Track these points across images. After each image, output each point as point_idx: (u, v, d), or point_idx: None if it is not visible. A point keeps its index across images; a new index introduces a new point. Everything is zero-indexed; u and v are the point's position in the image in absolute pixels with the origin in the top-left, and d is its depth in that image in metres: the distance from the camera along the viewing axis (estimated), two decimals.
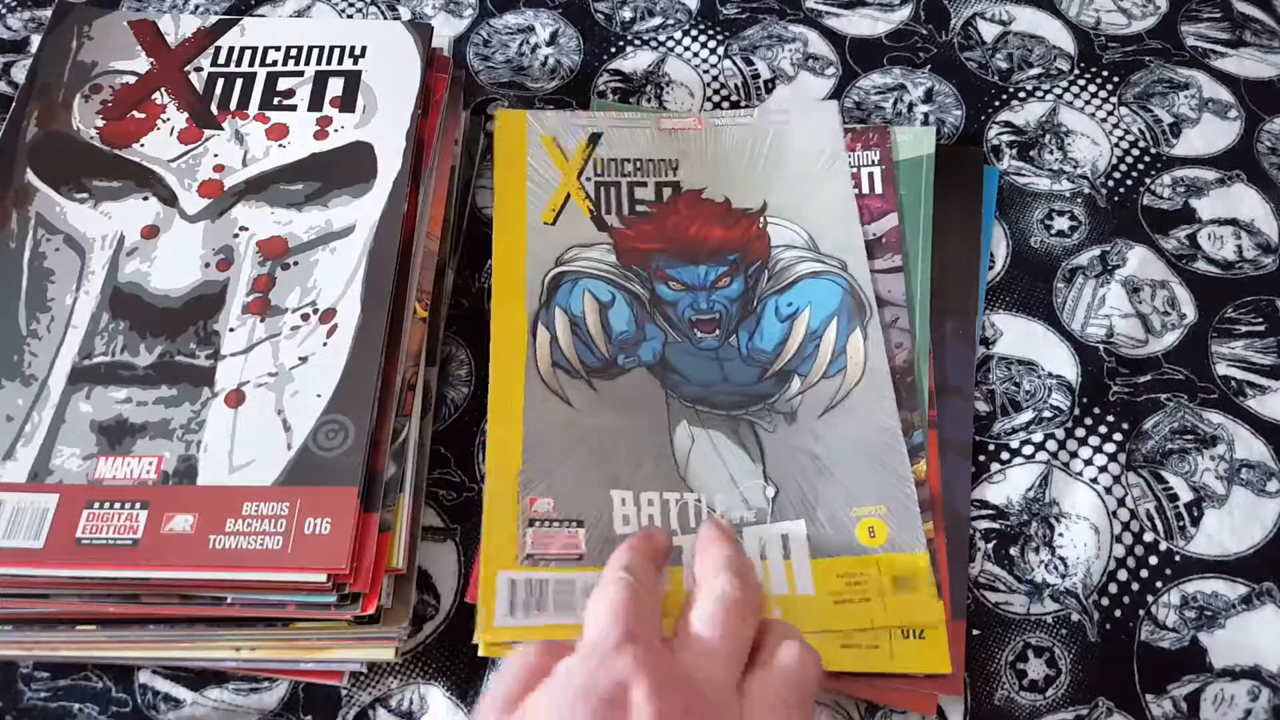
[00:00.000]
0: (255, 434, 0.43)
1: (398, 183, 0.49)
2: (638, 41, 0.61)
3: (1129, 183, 0.56)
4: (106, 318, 0.45)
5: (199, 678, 0.43)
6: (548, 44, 0.61)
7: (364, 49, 0.53)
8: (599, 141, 0.55)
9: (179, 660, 0.42)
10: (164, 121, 0.51)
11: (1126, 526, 0.47)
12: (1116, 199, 0.56)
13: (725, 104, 0.59)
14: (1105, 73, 0.60)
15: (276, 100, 0.52)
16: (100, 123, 0.51)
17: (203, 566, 0.39)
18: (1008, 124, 0.58)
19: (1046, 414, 0.50)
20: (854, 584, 0.44)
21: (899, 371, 0.49)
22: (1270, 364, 0.51)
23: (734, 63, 0.60)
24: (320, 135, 0.51)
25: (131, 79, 0.52)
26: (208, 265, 0.47)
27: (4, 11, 0.61)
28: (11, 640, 0.41)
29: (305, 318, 0.46)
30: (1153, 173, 0.57)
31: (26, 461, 0.42)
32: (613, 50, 0.61)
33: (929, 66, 0.60)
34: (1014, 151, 0.57)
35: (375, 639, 0.42)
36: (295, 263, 0.47)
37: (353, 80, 0.52)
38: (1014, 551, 0.46)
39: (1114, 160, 0.57)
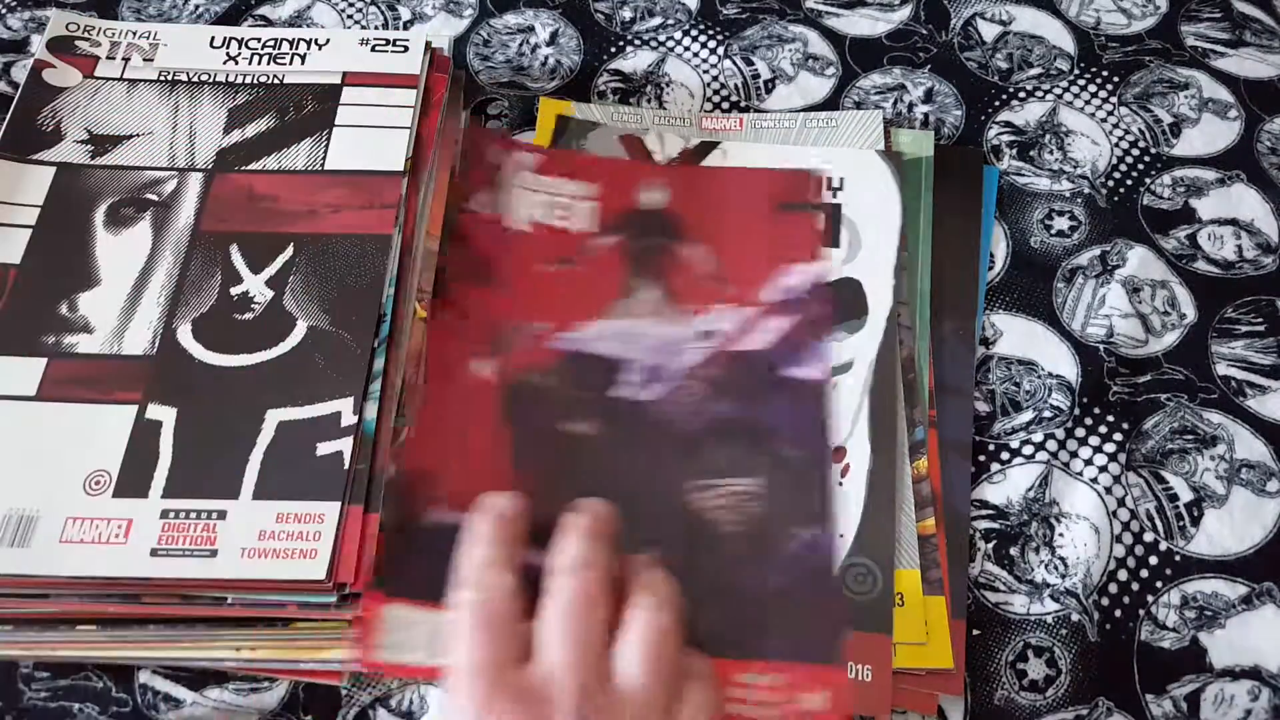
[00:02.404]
0: None
1: (890, 319, 0.49)
2: (638, 41, 0.61)
3: (1129, 183, 0.56)
4: None
5: (199, 678, 0.43)
6: (548, 44, 0.61)
7: (842, 180, 0.53)
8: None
9: (179, 660, 0.42)
10: None
11: (1126, 526, 0.47)
12: (1116, 199, 0.56)
13: (725, 104, 0.59)
14: (1105, 73, 0.60)
15: None
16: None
17: None
18: (1008, 124, 0.58)
19: (1046, 414, 0.50)
20: None
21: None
22: (1270, 364, 0.51)
23: (734, 63, 0.60)
24: None
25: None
26: None
27: (4, 11, 0.61)
28: (11, 640, 0.41)
29: None
30: (1153, 173, 0.57)
31: None
32: (613, 50, 0.61)
33: (929, 66, 0.60)
34: (1014, 151, 0.57)
35: None
36: None
37: (834, 214, 0.52)
38: (1014, 551, 0.46)
39: (1114, 160, 0.57)
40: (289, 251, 0.47)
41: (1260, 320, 0.53)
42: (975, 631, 0.45)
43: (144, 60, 0.53)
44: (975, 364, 0.50)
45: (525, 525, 0.41)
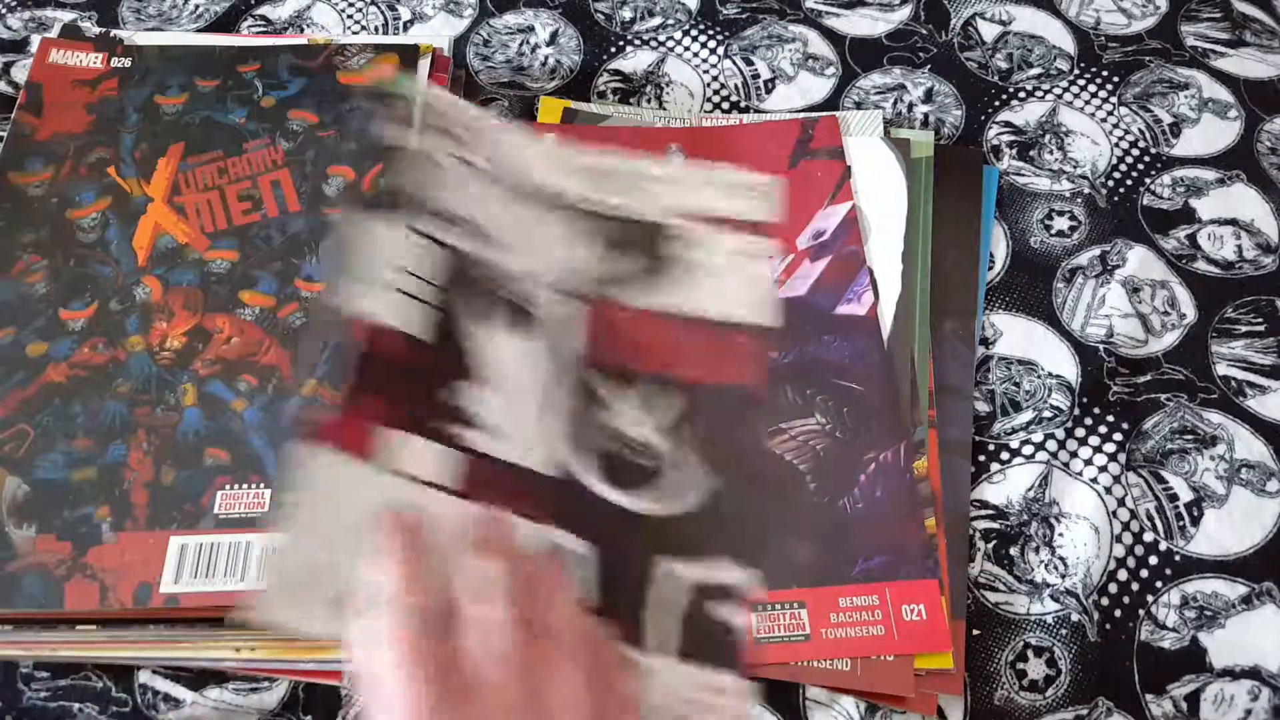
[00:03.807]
0: None
1: (900, 304, 0.50)
2: (638, 41, 0.61)
3: (1129, 183, 0.56)
4: None
5: (199, 678, 0.43)
6: (548, 44, 0.61)
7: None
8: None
9: (179, 660, 0.42)
10: None
11: (1126, 526, 0.47)
12: (1116, 199, 0.56)
13: (725, 104, 0.59)
14: (1105, 73, 0.60)
15: None
16: None
17: None
18: (1007, 124, 0.58)
19: (1046, 414, 0.50)
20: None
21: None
22: (1270, 364, 0.51)
23: (734, 63, 0.60)
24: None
25: None
26: None
27: (4, 11, 0.61)
28: (11, 640, 0.41)
29: None
30: (1153, 173, 0.57)
31: None
32: (613, 50, 0.61)
33: (929, 66, 0.60)
34: (1014, 151, 0.57)
35: None
36: None
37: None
38: (1014, 551, 0.46)
39: (1114, 160, 0.57)
40: (680, 400, 0.46)
41: (1260, 320, 0.53)
42: (975, 631, 0.45)
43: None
44: (975, 364, 0.50)
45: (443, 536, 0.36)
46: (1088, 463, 0.48)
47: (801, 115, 0.57)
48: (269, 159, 0.50)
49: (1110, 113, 0.59)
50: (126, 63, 0.53)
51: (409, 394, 0.42)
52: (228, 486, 0.43)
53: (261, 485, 0.43)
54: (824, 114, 0.57)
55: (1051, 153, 0.57)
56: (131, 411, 0.44)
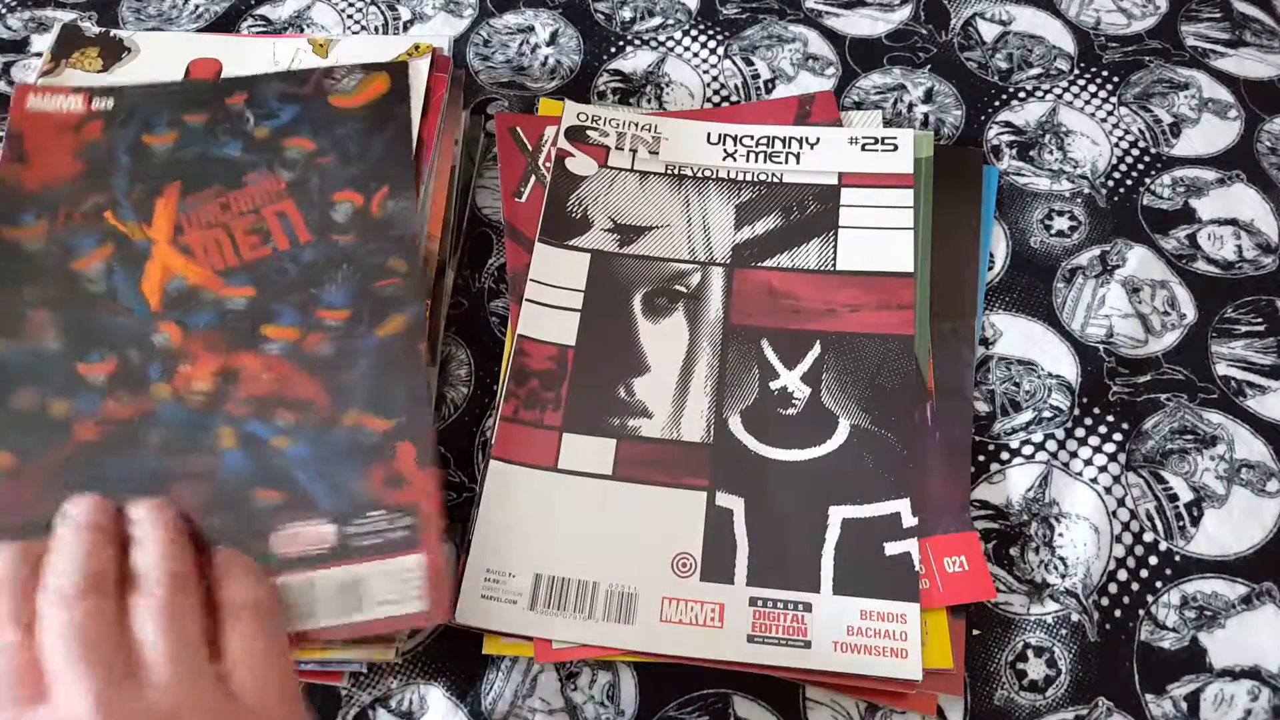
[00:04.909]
0: None
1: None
2: (638, 41, 0.61)
3: (1129, 183, 0.56)
4: None
5: None
6: (548, 44, 0.61)
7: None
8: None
9: None
10: None
11: (1126, 526, 0.47)
12: (1116, 199, 0.56)
13: (725, 104, 0.59)
14: (1105, 73, 0.60)
15: None
16: None
17: None
18: (1008, 124, 0.58)
19: (1046, 414, 0.50)
20: None
21: None
22: (1270, 364, 0.51)
23: (734, 63, 0.60)
24: None
25: None
26: None
27: (4, 11, 0.61)
28: None
29: None
30: (1153, 173, 0.57)
31: None
32: (613, 50, 0.61)
33: (929, 66, 0.60)
34: (1014, 151, 0.57)
35: (375, 639, 0.41)
36: None
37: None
38: (1014, 551, 0.46)
39: (1114, 160, 0.57)
40: (817, 349, 0.49)
41: (1260, 320, 0.53)
42: (975, 631, 0.45)
43: (649, 153, 0.55)
44: (975, 364, 0.50)
45: (114, 528, 0.37)
46: (1088, 463, 0.48)
47: (798, 94, 0.58)
48: (271, 190, 0.49)
49: (1110, 113, 0.59)
50: (109, 104, 0.51)
51: (568, 398, 0.48)
52: (285, 526, 0.41)
53: (323, 520, 0.42)
54: (819, 90, 0.58)
55: (1051, 153, 0.57)
56: (166, 462, 0.43)
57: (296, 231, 0.48)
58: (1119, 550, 0.47)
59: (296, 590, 0.40)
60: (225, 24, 0.61)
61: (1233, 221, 0.55)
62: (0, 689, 0.33)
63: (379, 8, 0.62)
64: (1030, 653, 0.45)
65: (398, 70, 0.53)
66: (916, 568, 0.44)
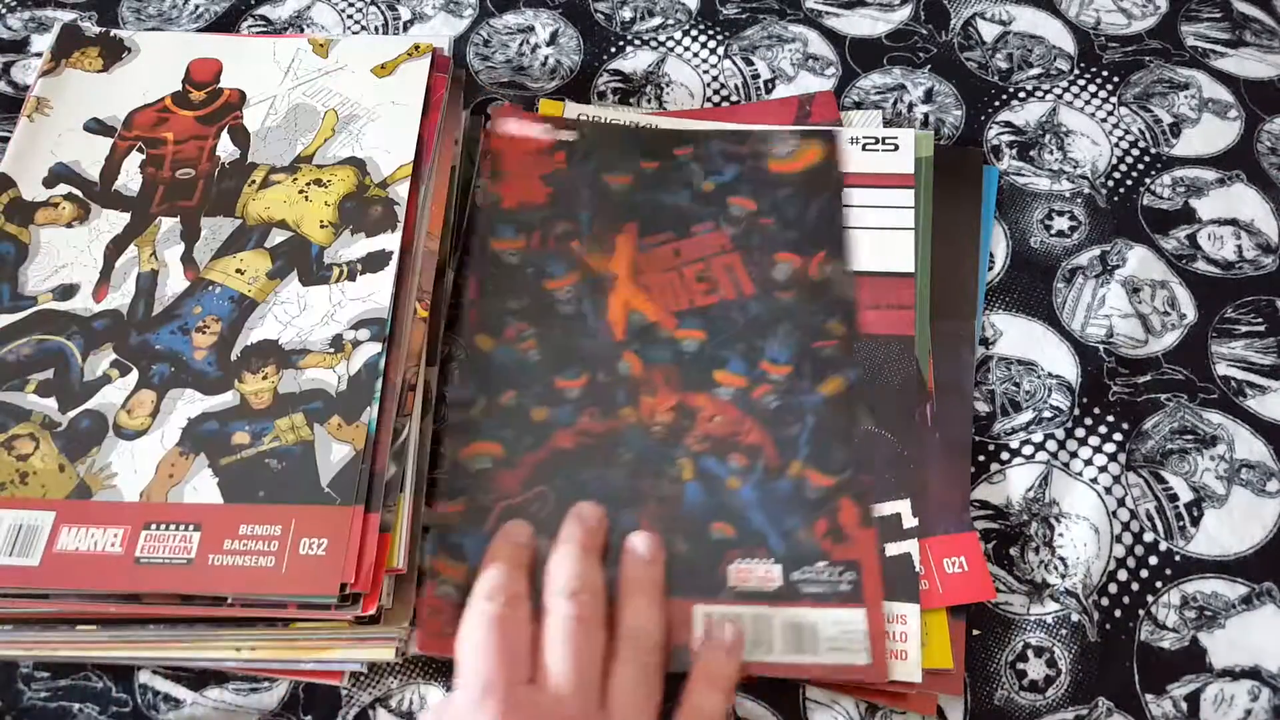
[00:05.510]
0: None
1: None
2: (638, 41, 0.61)
3: (1129, 183, 0.56)
4: None
5: (199, 678, 0.43)
6: (548, 44, 0.61)
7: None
8: None
9: (179, 660, 0.42)
10: None
11: (1126, 526, 0.47)
12: (1116, 199, 0.56)
13: (725, 104, 0.59)
14: (1105, 73, 0.60)
15: None
16: None
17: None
18: (1008, 124, 0.58)
19: (1046, 414, 0.50)
20: None
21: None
22: (1270, 364, 0.51)
23: (734, 63, 0.60)
24: None
25: None
26: None
27: (4, 11, 0.61)
28: (11, 640, 0.41)
29: None
30: (1153, 173, 0.57)
31: None
32: (613, 50, 0.61)
33: (929, 66, 0.60)
34: (1014, 151, 0.57)
35: (375, 639, 0.41)
36: None
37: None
38: (1014, 551, 0.46)
39: (1114, 160, 0.57)
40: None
41: (1260, 320, 0.53)
42: (975, 631, 0.45)
43: None
44: (975, 364, 0.50)
45: (535, 550, 0.43)
46: (1088, 463, 0.48)
47: (798, 94, 0.58)
48: (717, 243, 0.51)
49: (1110, 113, 0.59)
50: (571, 136, 0.54)
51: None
52: (738, 561, 0.44)
53: (771, 561, 0.44)
54: (819, 90, 0.58)
55: (1051, 153, 0.57)
56: (635, 481, 0.46)
57: (742, 285, 0.50)
58: (1119, 550, 0.47)
59: (756, 622, 0.42)
60: (225, 24, 0.61)
61: (1233, 221, 0.55)
62: (514, 651, 0.38)
63: (379, 8, 0.62)
64: (1030, 653, 0.45)
65: (828, 138, 0.55)
66: (916, 568, 0.44)
